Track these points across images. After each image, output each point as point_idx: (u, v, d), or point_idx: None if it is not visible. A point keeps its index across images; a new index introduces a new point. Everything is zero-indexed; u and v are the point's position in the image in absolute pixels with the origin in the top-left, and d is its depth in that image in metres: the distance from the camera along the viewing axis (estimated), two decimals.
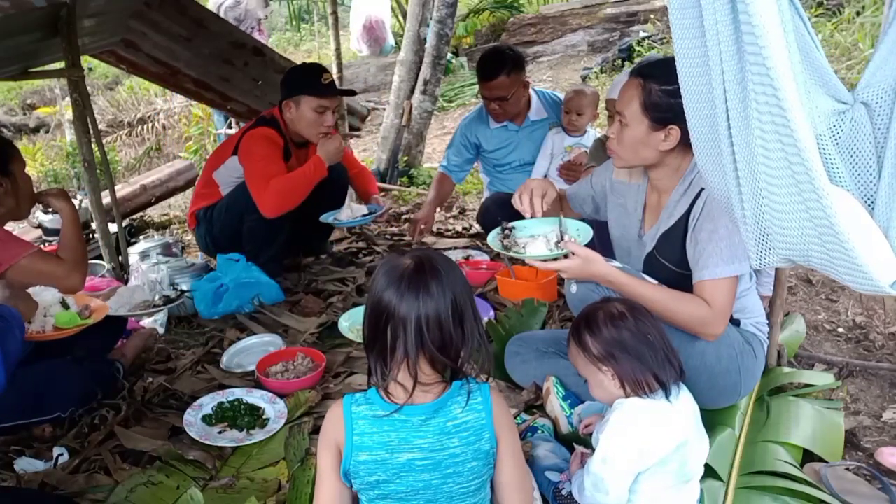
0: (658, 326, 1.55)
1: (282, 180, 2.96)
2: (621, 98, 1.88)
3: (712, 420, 1.91)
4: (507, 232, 2.01)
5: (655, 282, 1.89)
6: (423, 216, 3.46)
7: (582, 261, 1.83)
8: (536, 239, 1.94)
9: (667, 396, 1.49)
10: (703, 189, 1.83)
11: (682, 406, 1.52)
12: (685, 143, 1.81)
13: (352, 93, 3.51)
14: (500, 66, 3.10)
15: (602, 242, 2.29)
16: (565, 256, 1.85)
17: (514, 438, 1.37)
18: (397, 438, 1.28)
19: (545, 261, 1.88)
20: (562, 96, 3.34)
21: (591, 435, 1.66)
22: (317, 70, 3.11)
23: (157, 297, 2.46)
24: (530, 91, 3.32)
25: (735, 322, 1.95)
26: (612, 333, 1.51)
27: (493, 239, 2.00)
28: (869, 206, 1.18)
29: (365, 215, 3.21)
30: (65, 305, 2.08)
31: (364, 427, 1.29)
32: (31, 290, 2.09)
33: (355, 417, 1.30)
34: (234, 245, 3.11)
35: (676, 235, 1.90)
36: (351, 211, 3.21)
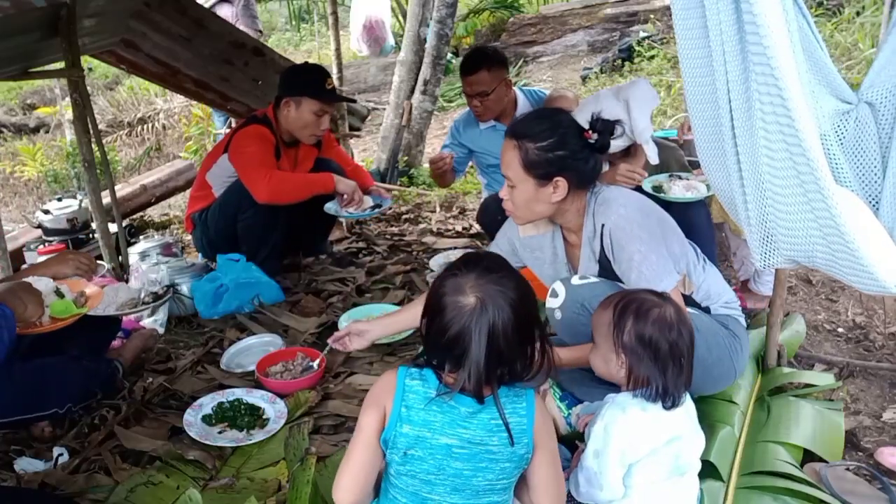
0: (692, 353, 1.53)
1: (286, 175, 3.03)
2: (503, 161, 1.92)
3: (712, 419, 1.91)
4: None
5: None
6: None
7: None
8: None
9: (664, 406, 1.48)
10: (603, 224, 1.87)
11: (673, 408, 1.51)
12: (576, 188, 1.88)
13: (352, 100, 3.53)
14: (480, 61, 3.12)
15: None
16: None
17: (554, 445, 1.39)
18: (442, 421, 1.29)
19: None
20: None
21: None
22: (321, 73, 3.14)
23: (143, 295, 2.47)
24: (516, 91, 3.31)
25: (706, 310, 1.96)
26: (654, 336, 1.48)
27: None
28: (873, 206, 1.18)
29: (373, 208, 3.20)
30: (59, 294, 2.07)
31: (414, 401, 1.31)
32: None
33: (408, 390, 1.32)
34: (231, 246, 3.11)
35: (608, 269, 1.92)
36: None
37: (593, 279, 1.92)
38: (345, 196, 3.07)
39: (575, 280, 1.93)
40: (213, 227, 3.20)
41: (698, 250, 2.03)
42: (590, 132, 1.86)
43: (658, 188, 2.45)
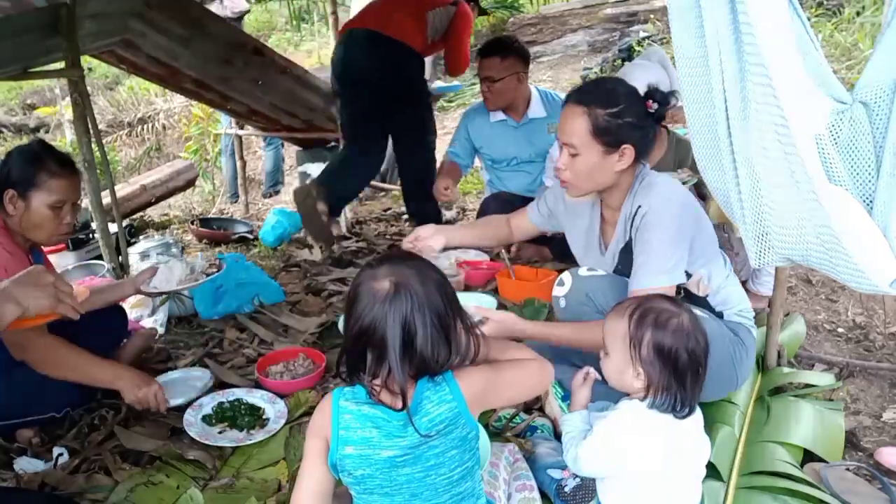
0: (707, 358, 1.49)
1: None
2: (565, 129, 1.87)
3: (712, 419, 1.91)
4: None
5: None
6: (442, 184, 3.22)
7: (497, 323, 1.85)
8: None
9: (677, 416, 1.46)
10: (640, 206, 1.85)
11: (687, 417, 1.51)
12: (636, 159, 1.87)
13: None
14: (497, 48, 3.19)
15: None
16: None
17: (510, 364, 1.41)
18: (379, 435, 1.28)
19: None
20: (563, 97, 3.33)
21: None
22: None
23: (199, 268, 2.52)
24: (532, 89, 3.32)
25: (719, 315, 1.96)
26: (674, 347, 1.43)
27: None
28: (867, 205, 1.18)
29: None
30: None
31: (349, 422, 1.29)
32: None
33: (342, 411, 1.30)
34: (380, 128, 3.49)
35: (630, 251, 1.91)
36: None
37: (601, 272, 1.95)
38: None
39: (582, 271, 1.96)
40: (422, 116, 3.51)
41: (728, 260, 2.01)
42: (650, 102, 1.84)
43: None
